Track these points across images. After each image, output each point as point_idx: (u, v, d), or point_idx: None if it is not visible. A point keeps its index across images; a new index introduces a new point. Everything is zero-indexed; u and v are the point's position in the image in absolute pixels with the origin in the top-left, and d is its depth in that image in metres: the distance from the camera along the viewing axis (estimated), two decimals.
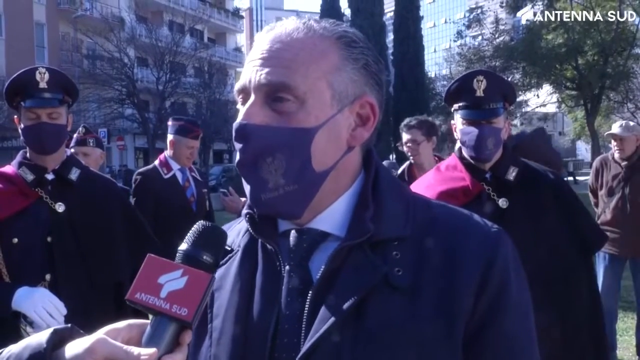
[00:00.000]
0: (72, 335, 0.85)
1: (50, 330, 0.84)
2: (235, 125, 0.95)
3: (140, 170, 4.50)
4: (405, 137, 4.24)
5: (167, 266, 0.84)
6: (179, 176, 4.27)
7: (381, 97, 1.03)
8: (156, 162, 4.32)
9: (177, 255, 0.86)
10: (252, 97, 0.96)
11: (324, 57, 0.96)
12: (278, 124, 0.94)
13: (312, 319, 0.92)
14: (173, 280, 0.82)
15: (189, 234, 0.87)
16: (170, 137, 4.26)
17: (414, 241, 0.96)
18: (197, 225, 0.88)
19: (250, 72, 0.96)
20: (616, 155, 5.01)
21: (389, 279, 0.92)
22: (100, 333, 0.81)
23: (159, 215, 3.99)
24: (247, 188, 0.98)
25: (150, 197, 4.12)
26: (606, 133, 5.11)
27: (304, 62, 0.94)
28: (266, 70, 0.94)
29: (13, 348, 0.85)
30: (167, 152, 4.30)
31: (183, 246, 0.86)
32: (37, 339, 0.83)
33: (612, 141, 5.05)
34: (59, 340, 0.83)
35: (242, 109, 0.96)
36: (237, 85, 0.98)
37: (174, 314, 0.80)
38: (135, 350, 0.78)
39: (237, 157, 0.97)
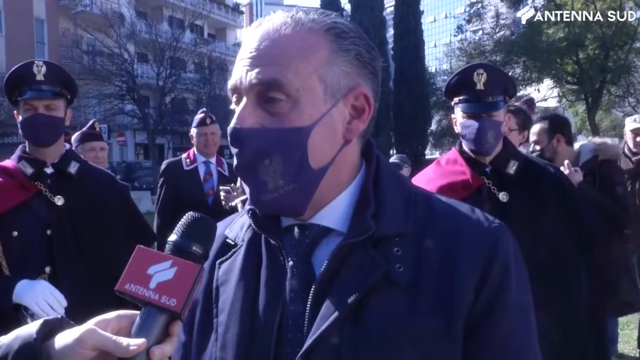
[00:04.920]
0: (62, 326, 0.85)
1: (41, 321, 0.84)
2: (229, 130, 0.94)
3: (168, 160, 4.73)
4: None
5: (156, 257, 0.84)
6: (201, 169, 4.33)
7: (376, 86, 1.01)
8: (184, 154, 4.46)
9: (166, 246, 0.86)
10: (244, 100, 0.95)
11: (313, 51, 0.94)
12: (272, 125, 0.93)
13: (315, 315, 0.92)
14: (162, 271, 0.82)
15: (178, 225, 0.87)
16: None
17: (415, 237, 0.95)
18: (187, 217, 0.88)
19: (241, 71, 0.95)
20: (631, 148, 4.94)
21: (390, 275, 0.92)
22: (90, 324, 0.81)
23: (178, 206, 4.09)
24: (247, 190, 0.97)
25: (171, 186, 4.30)
26: (632, 128, 5.01)
27: (294, 59, 0.93)
28: (256, 69, 0.93)
29: (4, 339, 0.84)
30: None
31: (172, 237, 0.86)
32: (28, 329, 0.83)
33: (631, 135, 4.98)
34: (49, 331, 0.83)
35: (236, 111, 0.95)
36: (230, 84, 0.97)
37: (163, 304, 0.80)
38: (124, 340, 0.78)
39: (235, 161, 0.96)
